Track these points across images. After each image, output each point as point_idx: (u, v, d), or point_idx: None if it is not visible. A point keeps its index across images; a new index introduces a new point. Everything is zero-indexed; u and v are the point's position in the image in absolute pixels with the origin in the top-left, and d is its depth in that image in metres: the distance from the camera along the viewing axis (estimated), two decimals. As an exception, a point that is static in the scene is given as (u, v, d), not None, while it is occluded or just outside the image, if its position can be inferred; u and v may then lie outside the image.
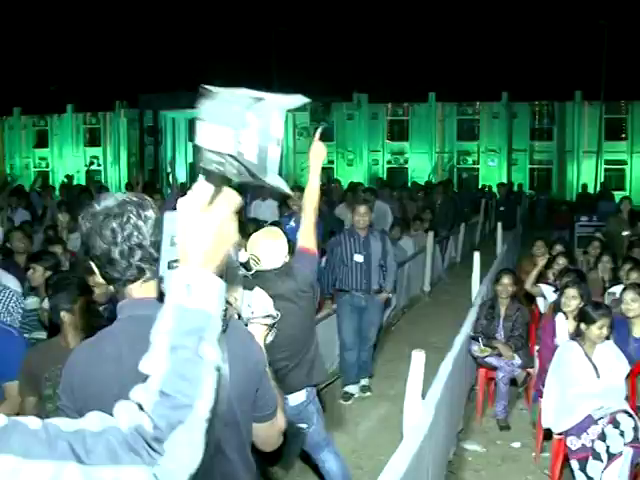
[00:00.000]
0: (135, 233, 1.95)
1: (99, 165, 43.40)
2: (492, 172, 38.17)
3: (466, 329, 6.90)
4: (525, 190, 32.96)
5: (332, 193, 16.22)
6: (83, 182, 30.22)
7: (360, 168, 39.57)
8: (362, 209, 7.67)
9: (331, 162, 38.25)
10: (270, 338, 2.43)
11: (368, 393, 7.90)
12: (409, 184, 27.20)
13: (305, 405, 4.48)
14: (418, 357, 4.21)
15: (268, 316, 2.35)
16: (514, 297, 7.44)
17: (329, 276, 7.82)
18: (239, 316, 2.23)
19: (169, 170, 28.94)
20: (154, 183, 20.56)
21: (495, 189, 25.56)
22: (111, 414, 1.36)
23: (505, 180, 33.03)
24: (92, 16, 46.15)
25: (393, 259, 8.13)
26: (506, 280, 7.36)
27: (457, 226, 17.11)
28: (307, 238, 4.13)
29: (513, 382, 7.15)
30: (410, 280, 12.41)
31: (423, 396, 4.27)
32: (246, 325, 2.28)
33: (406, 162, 39.83)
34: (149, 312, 1.59)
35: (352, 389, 7.84)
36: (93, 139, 44.99)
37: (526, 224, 22.39)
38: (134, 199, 1.99)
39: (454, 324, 7.33)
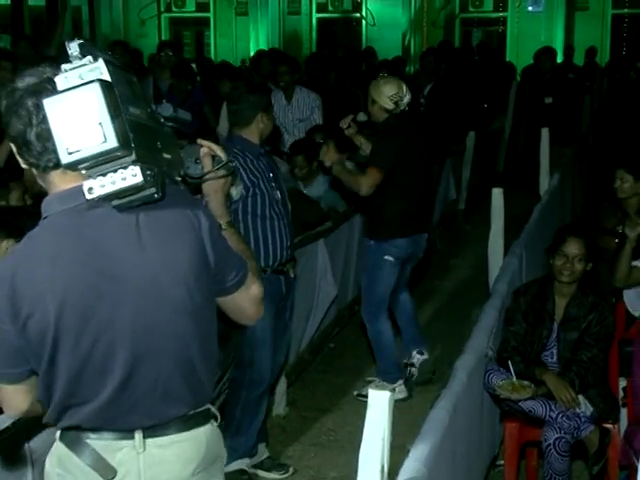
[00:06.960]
0: None
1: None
2: (533, 27, 19.61)
3: (479, 341, 3.89)
4: (601, 63, 16.29)
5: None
6: None
7: (263, 23, 20.51)
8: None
9: (203, 11, 20.74)
10: (236, 190, 2.65)
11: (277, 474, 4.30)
12: (362, 50, 14.18)
13: None
14: (378, 399, 2.21)
15: (222, 166, 2.30)
16: (585, 283, 4.36)
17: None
18: (189, 177, 2.25)
19: None
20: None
21: (538, 62, 11.93)
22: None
23: (559, 44, 17.49)
24: None
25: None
26: (574, 247, 4.26)
27: (460, 138, 9.75)
28: None
29: (578, 450, 4.23)
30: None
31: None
32: (199, 185, 2.31)
33: (357, 8, 20.41)
34: (76, 203, 1.91)
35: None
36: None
37: (602, 133, 11.96)
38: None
39: (453, 333, 4.99)
